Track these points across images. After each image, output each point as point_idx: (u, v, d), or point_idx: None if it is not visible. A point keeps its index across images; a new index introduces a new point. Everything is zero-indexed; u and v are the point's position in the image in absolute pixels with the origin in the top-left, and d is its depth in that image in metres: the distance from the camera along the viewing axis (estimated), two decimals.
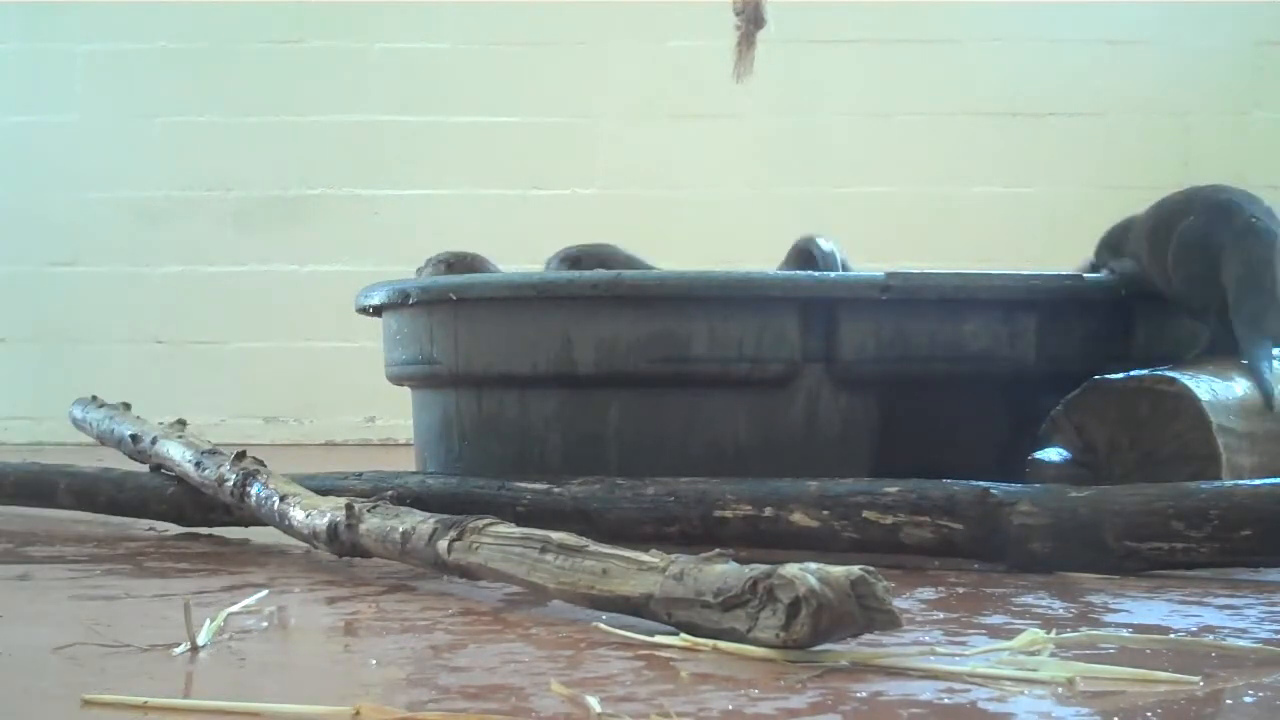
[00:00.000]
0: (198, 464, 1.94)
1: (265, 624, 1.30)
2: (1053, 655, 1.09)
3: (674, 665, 1.09)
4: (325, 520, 1.62)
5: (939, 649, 1.13)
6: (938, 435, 1.98)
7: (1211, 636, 1.21)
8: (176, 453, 2.02)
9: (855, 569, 1.09)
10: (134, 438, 2.17)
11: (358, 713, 0.93)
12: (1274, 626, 1.26)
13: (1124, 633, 1.20)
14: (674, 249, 4.35)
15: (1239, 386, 1.82)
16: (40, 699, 0.99)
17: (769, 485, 1.73)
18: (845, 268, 2.35)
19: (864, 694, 1.00)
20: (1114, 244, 2.11)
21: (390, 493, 1.76)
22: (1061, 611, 1.34)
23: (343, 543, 1.59)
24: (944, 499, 1.65)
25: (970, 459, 1.87)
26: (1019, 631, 1.14)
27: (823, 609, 1.07)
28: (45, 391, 4.41)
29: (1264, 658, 1.12)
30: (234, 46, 4.61)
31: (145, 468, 2.15)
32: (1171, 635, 1.20)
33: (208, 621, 1.22)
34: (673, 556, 1.21)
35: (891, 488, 1.68)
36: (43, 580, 1.60)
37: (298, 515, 1.68)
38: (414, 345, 2.17)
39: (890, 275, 1.98)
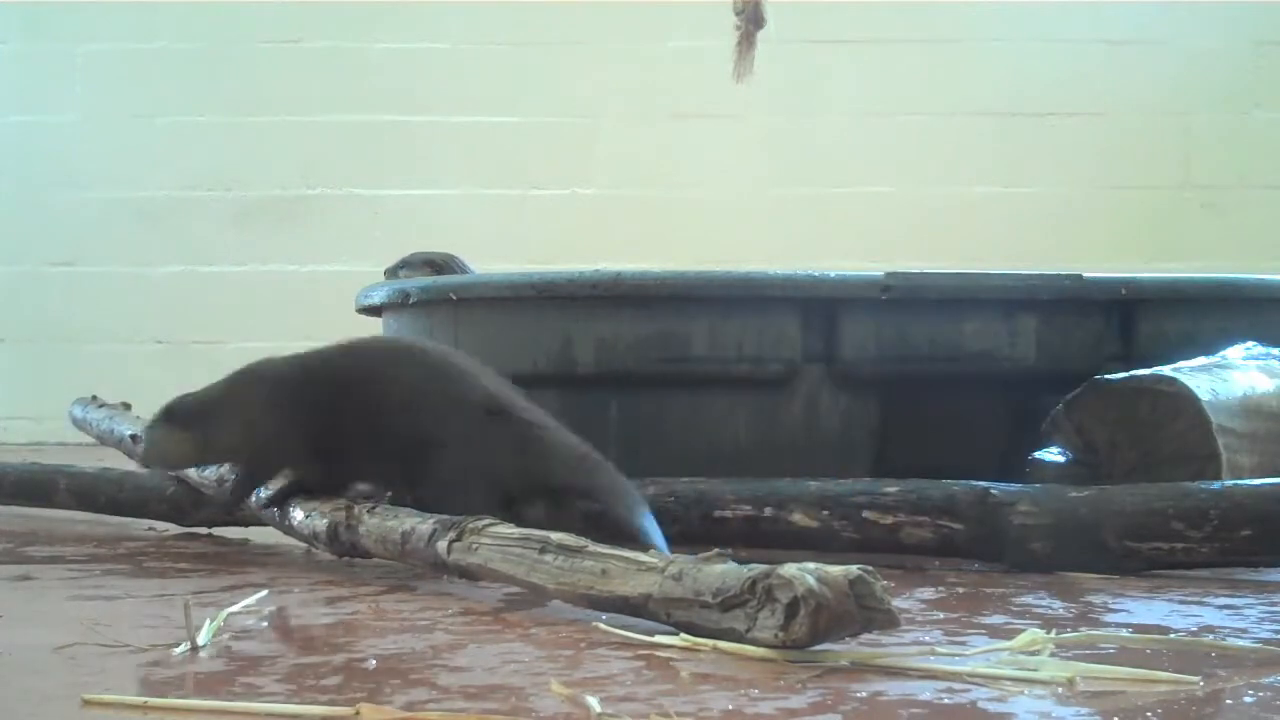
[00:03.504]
0: None
1: (265, 624, 1.30)
2: (1053, 655, 1.09)
3: (674, 665, 1.09)
4: (325, 520, 1.62)
5: (939, 649, 1.13)
6: (937, 435, 1.98)
7: (1211, 636, 1.20)
8: None
9: (854, 569, 1.09)
10: (134, 438, 2.17)
11: (358, 713, 0.93)
12: (1274, 626, 1.26)
13: (1124, 633, 1.20)
14: (674, 249, 4.35)
15: (1239, 387, 1.82)
16: (40, 699, 0.99)
17: (769, 485, 1.73)
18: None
19: (864, 694, 1.00)
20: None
21: (390, 493, 1.76)
22: (1061, 611, 1.34)
23: (343, 543, 1.59)
24: (944, 499, 1.65)
25: (970, 459, 1.87)
26: (1019, 631, 1.14)
27: (821, 609, 1.07)
28: (45, 391, 4.40)
29: (1264, 658, 1.12)
30: (234, 46, 4.61)
31: None
32: (1171, 635, 1.20)
33: (208, 621, 1.22)
34: (672, 556, 1.21)
35: (891, 488, 1.68)
36: (43, 580, 1.60)
37: (297, 515, 1.68)
38: None
39: (890, 275, 1.98)
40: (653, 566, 1.21)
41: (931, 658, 1.11)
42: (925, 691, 1.00)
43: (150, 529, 2.08)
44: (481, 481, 1.60)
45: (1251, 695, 1.01)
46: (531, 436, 1.63)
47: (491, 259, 2.75)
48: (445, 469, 1.61)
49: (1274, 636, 1.21)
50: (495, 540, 1.35)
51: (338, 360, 1.71)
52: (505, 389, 1.69)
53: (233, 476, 1.79)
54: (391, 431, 1.64)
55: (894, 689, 1.01)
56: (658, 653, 1.13)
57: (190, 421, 1.70)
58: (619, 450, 1.99)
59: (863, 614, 1.08)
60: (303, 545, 1.75)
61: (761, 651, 1.10)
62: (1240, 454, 1.75)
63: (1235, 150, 4.54)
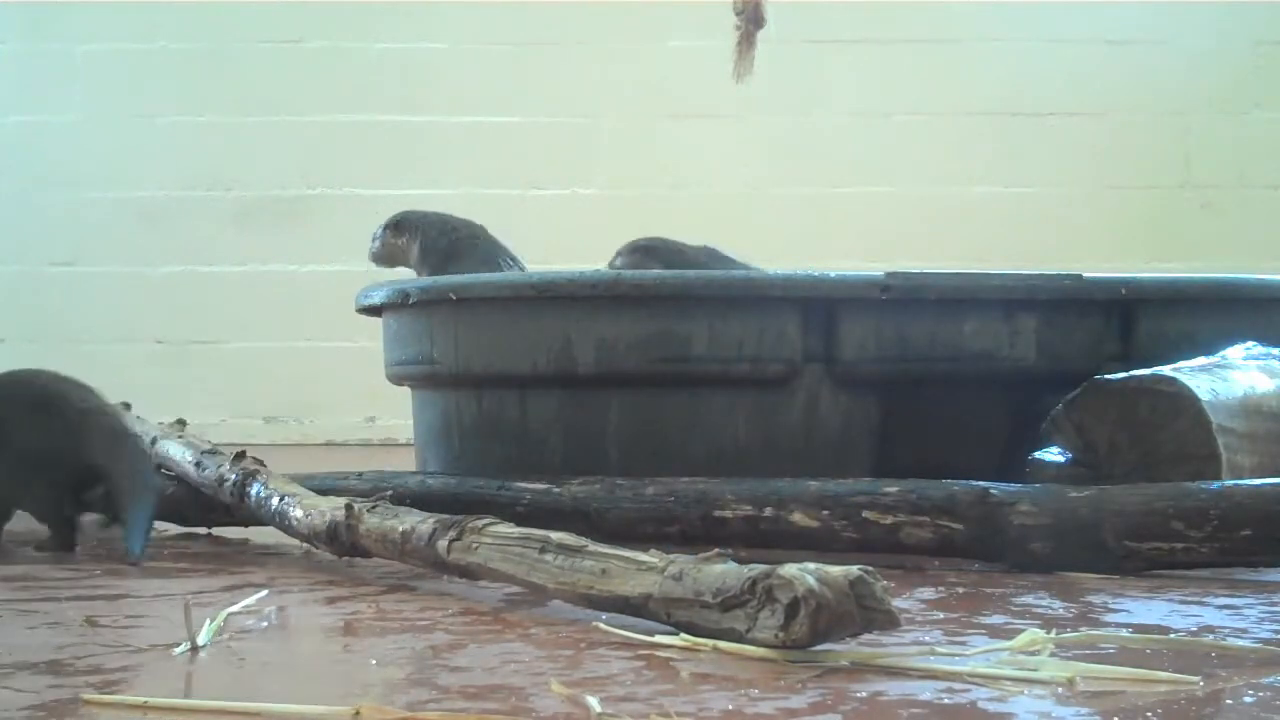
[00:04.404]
0: (198, 464, 1.95)
1: (265, 624, 1.30)
2: (1053, 655, 1.09)
3: (674, 665, 1.09)
4: (325, 520, 1.62)
5: (939, 649, 1.13)
6: (938, 435, 1.98)
7: (1211, 636, 1.20)
8: (176, 453, 2.02)
9: (854, 569, 1.09)
10: None
11: (358, 713, 0.93)
12: (1274, 626, 1.26)
13: (1124, 633, 1.20)
14: None
15: (1239, 387, 1.82)
16: (41, 699, 0.99)
17: (769, 485, 1.73)
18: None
19: (864, 694, 1.00)
20: None
21: (390, 493, 1.76)
22: (1061, 611, 1.34)
23: (343, 543, 1.59)
24: (944, 499, 1.65)
25: (970, 459, 1.87)
26: (1019, 631, 1.14)
27: (821, 609, 1.07)
28: None
29: (1264, 658, 1.12)
30: (234, 46, 4.61)
31: None
32: (1171, 635, 1.20)
33: (208, 621, 1.22)
34: (672, 556, 1.21)
35: (891, 488, 1.68)
36: (43, 580, 1.60)
37: (297, 515, 1.68)
38: (414, 345, 2.17)
39: (890, 275, 1.98)
40: (653, 566, 1.21)
41: (931, 658, 1.11)
42: (925, 691, 1.01)
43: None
44: (38, 469, 1.82)
45: (1251, 695, 1.01)
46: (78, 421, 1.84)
47: None
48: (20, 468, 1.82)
49: (1274, 636, 1.21)
50: (495, 539, 1.35)
51: None
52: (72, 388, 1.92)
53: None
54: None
55: (894, 689, 1.01)
56: (658, 653, 1.13)
57: None
58: (619, 450, 2.00)
59: (863, 614, 1.08)
60: (303, 545, 1.75)
61: (761, 651, 1.10)
62: (1240, 454, 1.75)
63: (1235, 150, 4.54)
